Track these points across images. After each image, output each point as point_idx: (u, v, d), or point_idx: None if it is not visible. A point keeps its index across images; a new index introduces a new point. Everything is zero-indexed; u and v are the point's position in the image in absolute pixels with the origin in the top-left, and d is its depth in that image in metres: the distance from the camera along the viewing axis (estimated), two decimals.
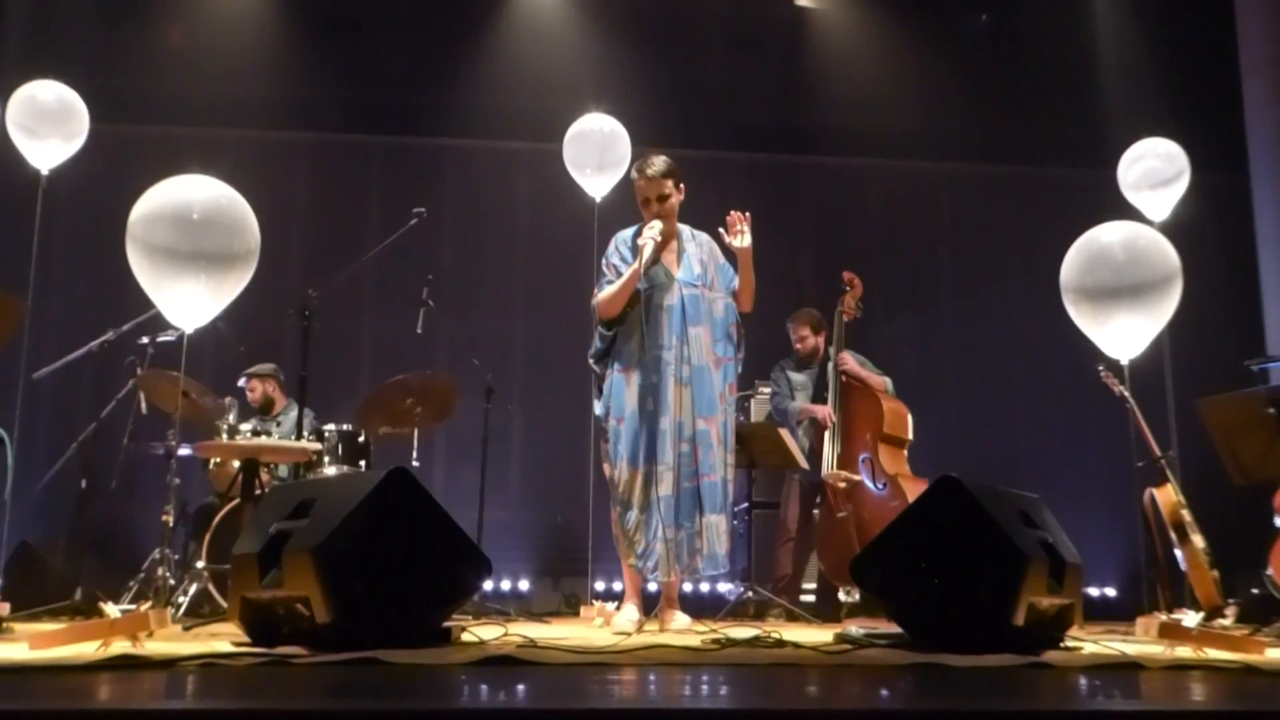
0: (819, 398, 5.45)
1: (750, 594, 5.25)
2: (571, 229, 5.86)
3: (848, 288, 5.43)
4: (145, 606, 3.75)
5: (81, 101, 5.32)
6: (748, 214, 3.95)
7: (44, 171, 5.31)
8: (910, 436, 5.25)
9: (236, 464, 5.01)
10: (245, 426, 4.93)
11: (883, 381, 5.39)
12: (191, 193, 4.07)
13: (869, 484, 5.10)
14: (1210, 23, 7.36)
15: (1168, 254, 4.60)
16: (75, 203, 6.22)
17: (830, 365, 5.36)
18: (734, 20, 7.97)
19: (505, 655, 2.50)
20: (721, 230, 4.01)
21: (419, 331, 5.47)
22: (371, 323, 7.39)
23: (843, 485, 5.11)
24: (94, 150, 5.45)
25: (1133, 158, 5.90)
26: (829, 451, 5.19)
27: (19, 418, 4.80)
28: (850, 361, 5.36)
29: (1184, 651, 2.86)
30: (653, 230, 3.96)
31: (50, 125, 5.26)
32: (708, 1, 7.99)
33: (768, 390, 6.00)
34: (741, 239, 3.95)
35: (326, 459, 5.09)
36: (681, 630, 3.81)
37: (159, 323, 4.52)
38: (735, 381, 4.15)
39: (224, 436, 4.78)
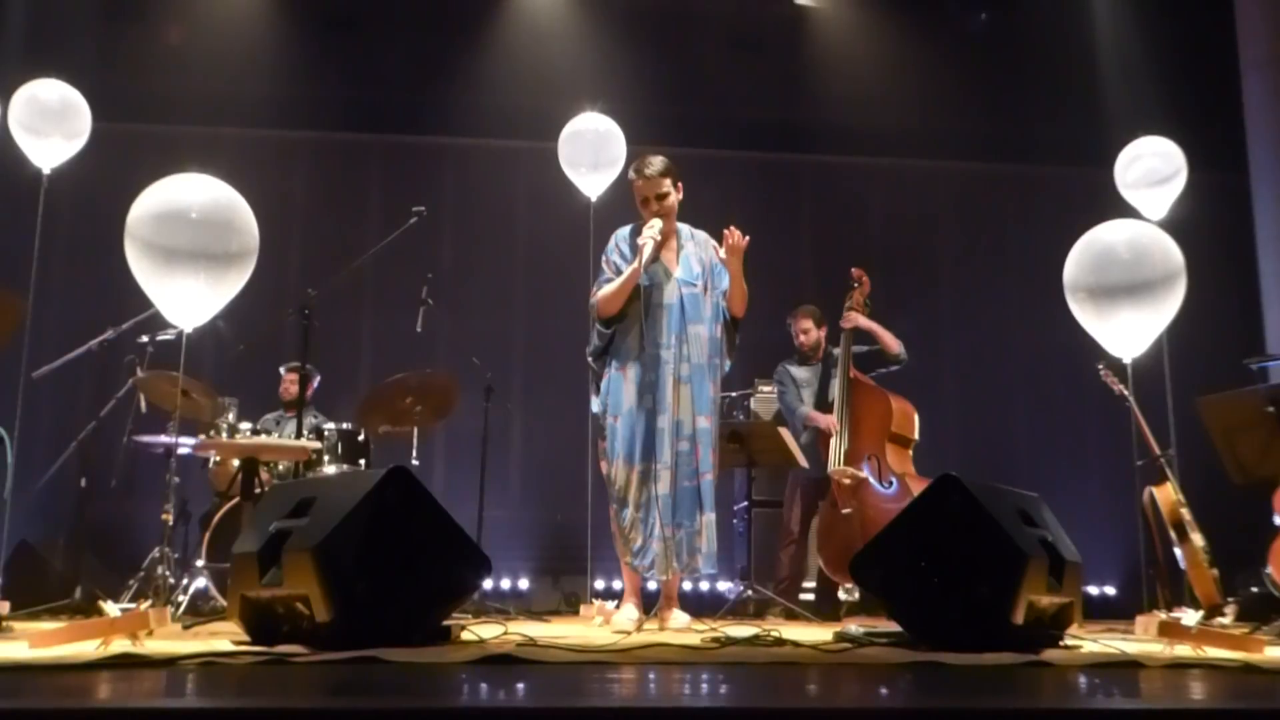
0: (823, 393, 5.45)
1: (750, 593, 5.25)
2: (571, 227, 5.86)
3: (856, 284, 5.41)
4: (145, 605, 3.75)
5: (84, 100, 5.31)
6: (747, 238, 3.95)
7: (46, 171, 5.30)
8: (916, 436, 5.22)
9: (236, 463, 5.02)
10: (245, 426, 4.93)
11: (897, 343, 5.37)
12: (190, 192, 4.07)
13: (875, 482, 5.07)
14: (1210, 21, 7.36)
15: (1171, 252, 4.60)
16: (74, 201, 6.22)
17: (838, 373, 5.32)
18: (733, 19, 7.98)
19: (505, 654, 2.49)
20: (717, 243, 4.02)
21: (419, 330, 5.47)
22: (371, 322, 7.40)
23: (848, 482, 5.08)
24: (93, 148, 5.45)
25: (1130, 156, 5.91)
26: (836, 447, 5.16)
27: (19, 417, 4.80)
28: (859, 319, 5.33)
29: (1183, 650, 2.86)
30: (652, 230, 3.96)
31: (53, 124, 5.25)
32: (707, 0, 7.99)
33: (768, 389, 6.01)
34: (734, 257, 3.95)
35: (326, 458, 5.09)
36: (681, 629, 3.81)
37: (158, 321, 4.52)
38: (718, 384, 4.11)
39: (224, 435, 4.78)
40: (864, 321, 5.36)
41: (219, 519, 4.78)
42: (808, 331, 5.60)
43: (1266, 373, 5.84)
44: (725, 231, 3.96)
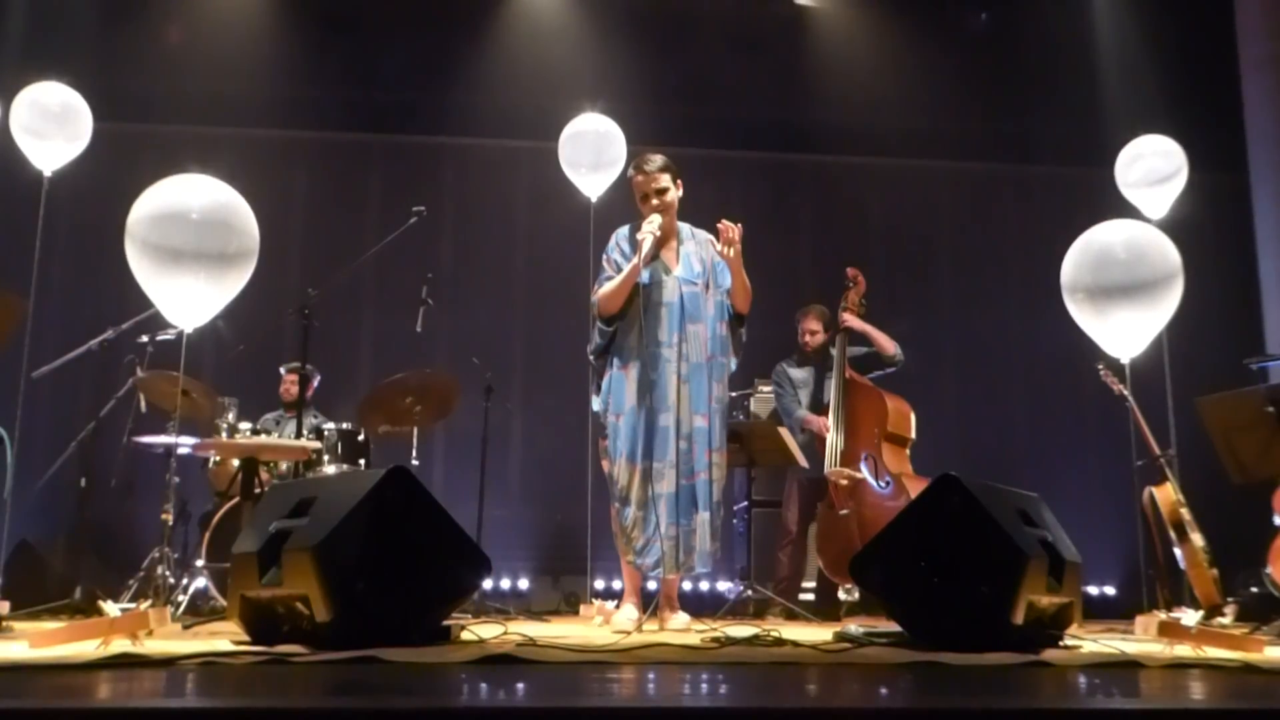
0: (819, 393, 5.44)
1: (750, 593, 5.25)
2: (571, 227, 5.86)
3: (851, 284, 5.39)
4: (145, 605, 3.75)
5: (85, 104, 5.31)
6: (739, 225, 3.95)
7: (47, 173, 5.30)
8: (913, 436, 5.22)
9: (236, 463, 5.02)
10: (245, 426, 4.93)
11: (892, 344, 5.37)
12: (190, 192, 4.07)
13: (872, 482, 5.07)
14: (1210, 20, 7.36)
15: (1168, 252, 4.61)
16: (74, 201, 6.21)
17: (833, 374, 5.32)
18: (734, 18, 7.96)
19: (505, 654, 2.50)
20: (713, 239, 4.01)
21: (419, 330, 5.47)
22: (371, 322, 7.40)
23: (844, 482, 5.08)
24: (94, 149, 5.44)
25: (1131, 155, 5.91)
26: (833, 446, 5.16)
27: (19, 417, 4.80)
28: (852, 320, 5.33)
29: (1183, 650, 2.87)
30: (651, 225, 3.96)
31: (54, 127, 5.25)
32: (707, 0, 7.99)
33: (767, 389, 6.00)
34: (731, 249, 3.93)
35: (326, 458, 5.09)
36: (681, 629, 3.81)
37: (158, 321, 4.52)
38: (725, 382, 4.11)
39: (224, 435, 4.78)
40: (856, 323, 5.34)
41: (219, 519, 4.78)
42: (815, 333, 5.58)
43: (1266, 373, 5.83)
44: (719, 226, 3.96)
